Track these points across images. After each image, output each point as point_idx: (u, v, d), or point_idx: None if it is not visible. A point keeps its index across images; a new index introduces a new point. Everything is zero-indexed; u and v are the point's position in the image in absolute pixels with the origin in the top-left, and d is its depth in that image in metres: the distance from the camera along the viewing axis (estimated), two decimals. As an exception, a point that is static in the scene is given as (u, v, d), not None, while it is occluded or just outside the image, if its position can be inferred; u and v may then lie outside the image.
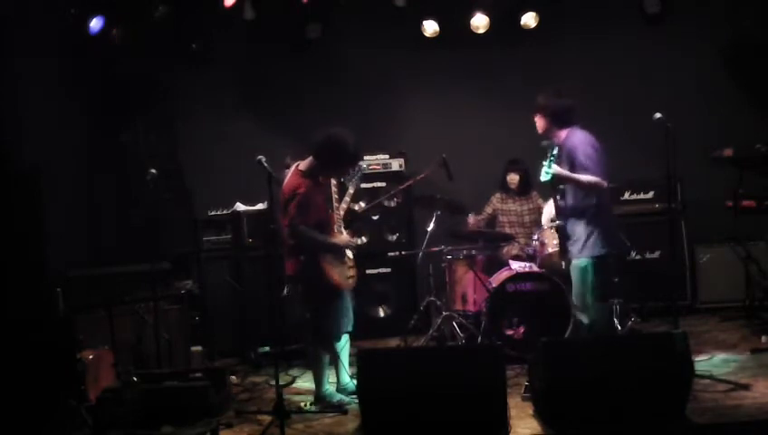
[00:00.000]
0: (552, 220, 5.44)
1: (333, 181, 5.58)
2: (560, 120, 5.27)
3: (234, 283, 7.00)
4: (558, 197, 5.34)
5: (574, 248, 5.26)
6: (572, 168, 5.17)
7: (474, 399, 4.47)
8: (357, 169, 5.67)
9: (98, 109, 7.34)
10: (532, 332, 6.12)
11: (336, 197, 5.60)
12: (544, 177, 5.15)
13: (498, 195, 7.28)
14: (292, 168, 5.44)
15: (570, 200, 5.28)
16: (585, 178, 5.11)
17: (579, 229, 5.22)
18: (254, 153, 5.15)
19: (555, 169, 5.12)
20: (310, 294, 5.44)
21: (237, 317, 7.01)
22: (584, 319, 5.28)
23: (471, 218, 7.08)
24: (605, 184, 5.15)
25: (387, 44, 7.85)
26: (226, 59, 7.76)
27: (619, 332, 6.12)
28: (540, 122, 5.35)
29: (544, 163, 5.14)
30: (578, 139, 5.21)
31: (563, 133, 5.27)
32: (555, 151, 5.13)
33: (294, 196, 5.19)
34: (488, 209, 7.27)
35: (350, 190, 5.63)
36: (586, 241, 5.18)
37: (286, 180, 5.38)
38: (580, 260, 5.23)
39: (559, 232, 5.49)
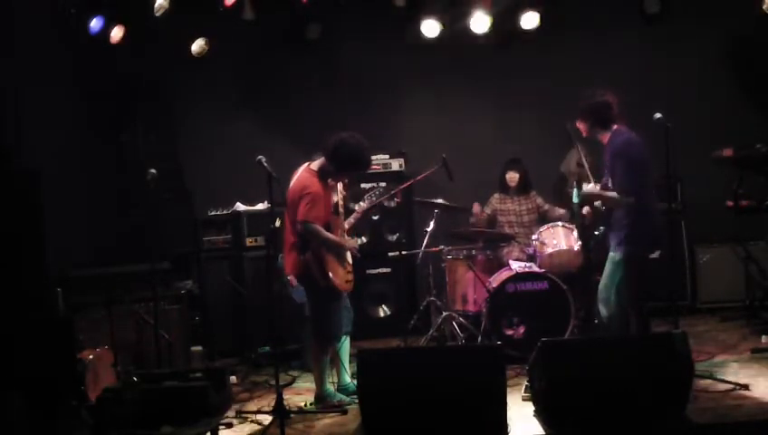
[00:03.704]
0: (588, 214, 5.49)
1: (340, 187, 5.60)
2: (598, 120, 5.26)
3: (234, 283, 7.00)
4: (601, 204, 5.33)
5: (614, 241, 5.26)
6: (609, 171, 5.18)
7: (474, 399, 4.47)
8: (378, 188, 6.04)
9: (98, 109, 7.34)
10: (532, 332, 6.12)
11: (342, 203, 5.62)
12: (575, 199, 5.23)
13: (497, 195, 7.28)
14: (303, 166, 5.46)
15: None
16: (610, 195, 5.13)
17: (619, 226, 5.21)
18: (254, 153, 5.16)
19: (585, 189, 5.16)
20: (309, 294, 5.46)
21: (237, 317, 7.01)
22: (603, 311, 5.27)
23: (476, 207, 7.08)
24: (627, 201, 5.10)
25: (387, 44, 7.84)
26: (226, 59, 7.76)
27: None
28: (581, 126, 5.35)
29: (574, 188, 5.21)
30: (620, 144, 5.19)
31: (606, 135, 5.27)
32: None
33: (306, 194, 5.21)
34: (488, 210, 7.27)
35: (363, 205, 5.95)
36: (623, 238, 5.17)
37: (297, 178, 5.40)
38: (614, 254, 5.24)
39: (597, 238, 5.51)
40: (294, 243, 5.32)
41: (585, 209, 5.53)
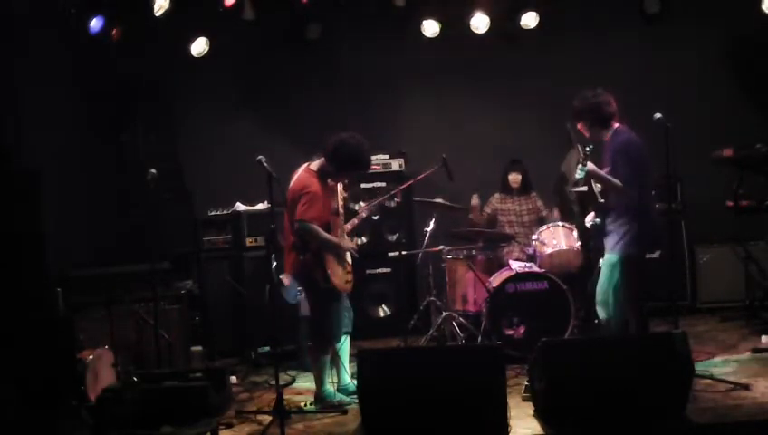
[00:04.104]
0: (592, 220, 5.47)
1: (341, 188, 5.60)
2: (598, 118, 5.25)
3: (234, 283, 7.00)
4: (600, 196, 5.31)
5: (609, 243, 5.25)
6: (613, 169, 5.17)
7: (474, 399, 4.47)
8: (379, 202, 6.13)
9: (98, 109, 7.34)
10: (532, 332, 6.12)
11: (342, 203, 5.62)
12: (579, 174, 5.17)
13: (498, 195, 7.28)
14: (303, 166, 5.46)
15: (612, 197, 5.26)
16: (616, 181, 5.12)
17: (616, 225, 5.20)
18: (254, 153, 5.15)
19: (590, 166, 5.11)
20: (309, 295, 5.46)
21: (237, 317, 7.01)
22: (602, 314, 5.26)
23: (474, 199, 7.07)
24: (630, 193, 5.10)
25: (387, 44, 7.85)
26: (226, 59, 7.76)
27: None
28: (582, 128, 5.34)
29: (580, 161, 5.16)
30: (621, 142, 5.19)
31: (608, 133, 5.27)
32: (589, 148, 5.15)
33: (305, 193, 5.21)
34: (488, 209, 7.27)
35: (363, 215, 5.94)
36: (621, 238, 5.16)
37: (296, 178, 5.40)
38: (611, 255, 5.22)
39: (594, 230, 5.50)
40: (294, 243, 5.32)
41: (589, 217, 5.52)
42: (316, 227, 5.20)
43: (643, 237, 5.18)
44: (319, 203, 5.24)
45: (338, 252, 5.42)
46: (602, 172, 5.15)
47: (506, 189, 7.25)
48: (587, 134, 5.34)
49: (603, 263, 5.29)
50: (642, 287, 5.30)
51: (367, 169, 5.60)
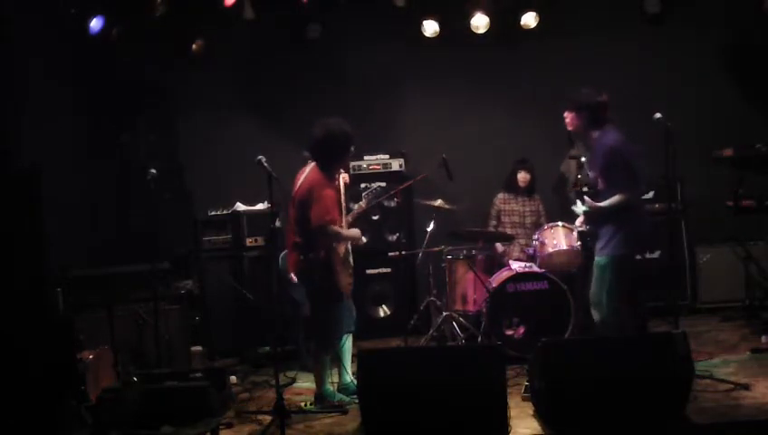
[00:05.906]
0: (581, 224, 5.48)
1: (342, 188, 5.59)
2: (594, 116, 5.23)
3: (234, 283, 7.00)
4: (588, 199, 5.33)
5: (599, 245, 5.26)
6: (602, 171, 5.19)
7: (474, 399, 4.47)
8: (375, 187, 5.97)
9: (98, 109, 7.34)
10: (532, 332, 6.13)
11: (343, 204, 5.61)
12: (579, 208, 5.28)
13: (501, 195, 7.27)
14: (310, 166, 5.43)
15: (602, 200, 5.27)
16: (611, 202, 5.14)
17: (606, 227, 5.21)
18: (254, 153, 5.16)
19: (589, 203, 5.20)
20: (310, 295, 5.46)
21: (237, 317, 7.01)
22: (596, 316, 5.26)
23: (499, 247, 7.08)
24: (629, 197, 5.13)
25: (387, 44, 7.84)
26: (226, 59, 7.76)
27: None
28: (571, 119, 5.30)
29: (578, 200, 5.28)
30: (612, 143, 5.19)
31: (596, 133, 5.25)
32: (585, 159, 5.21)
33: (321, 196, 5.19)
34: (493, 212, 7.25)
35: (362, 204, 5.82)
36: (610, 239, 5.17)
37: (305, 177, 5.37)
38: (601, 257, 5.23)
39: (586, 234, 5.50)
40: (297, 243, 5.31)
41: (578, 222, 5.53)
42: (337, 228, 5.22)
43: (631, 238, 5.18)
44: (335, 203, 5.26)
45: (344, 256, 5.41)
46: (598, 208, 5.19)
47: (512, 189, 7.23)
48: (572, 127, 5.31)
49: (594, 266, 5.30)
50: (640, 288, 5.30)
51: (352, 143, 5.46)
